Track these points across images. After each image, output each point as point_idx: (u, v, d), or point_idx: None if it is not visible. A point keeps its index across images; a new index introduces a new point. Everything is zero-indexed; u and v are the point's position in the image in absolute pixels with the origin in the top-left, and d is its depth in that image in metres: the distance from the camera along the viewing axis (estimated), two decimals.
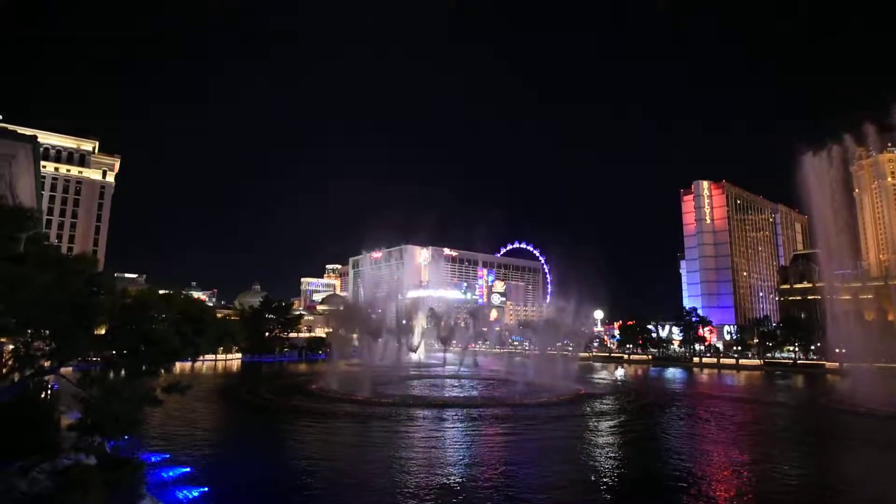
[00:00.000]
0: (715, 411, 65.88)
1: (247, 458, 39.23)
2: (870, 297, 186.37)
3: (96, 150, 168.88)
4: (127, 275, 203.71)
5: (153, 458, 34.02)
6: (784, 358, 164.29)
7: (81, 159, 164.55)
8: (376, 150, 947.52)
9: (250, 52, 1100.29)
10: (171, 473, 31.77)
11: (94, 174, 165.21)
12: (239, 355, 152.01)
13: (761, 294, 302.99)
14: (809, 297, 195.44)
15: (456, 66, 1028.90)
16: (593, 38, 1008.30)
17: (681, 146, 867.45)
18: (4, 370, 12.63)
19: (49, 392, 31.29)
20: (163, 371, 13.65)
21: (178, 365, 13.87)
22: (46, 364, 12.63)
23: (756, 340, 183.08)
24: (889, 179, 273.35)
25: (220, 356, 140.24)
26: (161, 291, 14.50)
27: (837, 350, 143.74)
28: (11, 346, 12.59)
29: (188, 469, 33.05)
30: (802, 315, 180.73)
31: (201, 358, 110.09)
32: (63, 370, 13.15)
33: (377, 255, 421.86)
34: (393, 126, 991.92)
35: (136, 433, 14.13)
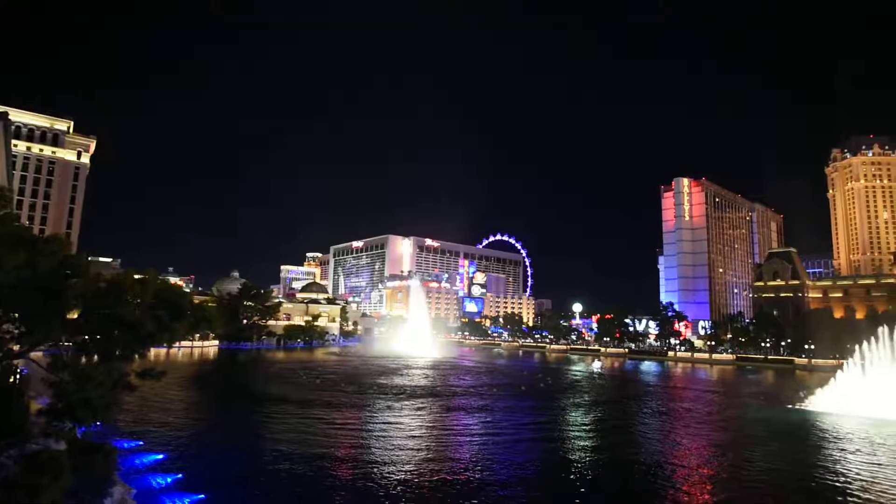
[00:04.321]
0: (683, 407, 67.49)
1: (222, 445, 38.86)
2: (840, 295, 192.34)
3: (71, 130, 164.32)
4: (101, 259, 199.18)
5: (126, 445, 33.58)
6: (756, 354, 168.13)
7: (55, 139, 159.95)
8: (360, 135, 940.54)
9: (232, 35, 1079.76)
10: (144, 460, 31.37)
11: (68, 155, 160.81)
12: (216, 342, 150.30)
13: (736, 291, 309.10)
14: (782, 295, 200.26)
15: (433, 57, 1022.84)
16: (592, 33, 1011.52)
17: (665, 141, 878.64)
18: None
19: (18, 376, 30.57)
20: (137, 356, 13.42)
21: (153, 351, 13.65)
22: (15, 348, 12.33)
23: (729, 336, 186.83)
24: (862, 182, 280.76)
25: (196, 343, 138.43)
26: (136, 276, 14.18)
27: (806, 346, 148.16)
28: None
29: (162, 456, 32.65)
30: (775, 312, 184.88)
31: (177, 344, 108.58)
32: (33, 354, 12.84)
33: (359, 244, 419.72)
34: (379, 111, 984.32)
35: (108, 419, 13.91)
